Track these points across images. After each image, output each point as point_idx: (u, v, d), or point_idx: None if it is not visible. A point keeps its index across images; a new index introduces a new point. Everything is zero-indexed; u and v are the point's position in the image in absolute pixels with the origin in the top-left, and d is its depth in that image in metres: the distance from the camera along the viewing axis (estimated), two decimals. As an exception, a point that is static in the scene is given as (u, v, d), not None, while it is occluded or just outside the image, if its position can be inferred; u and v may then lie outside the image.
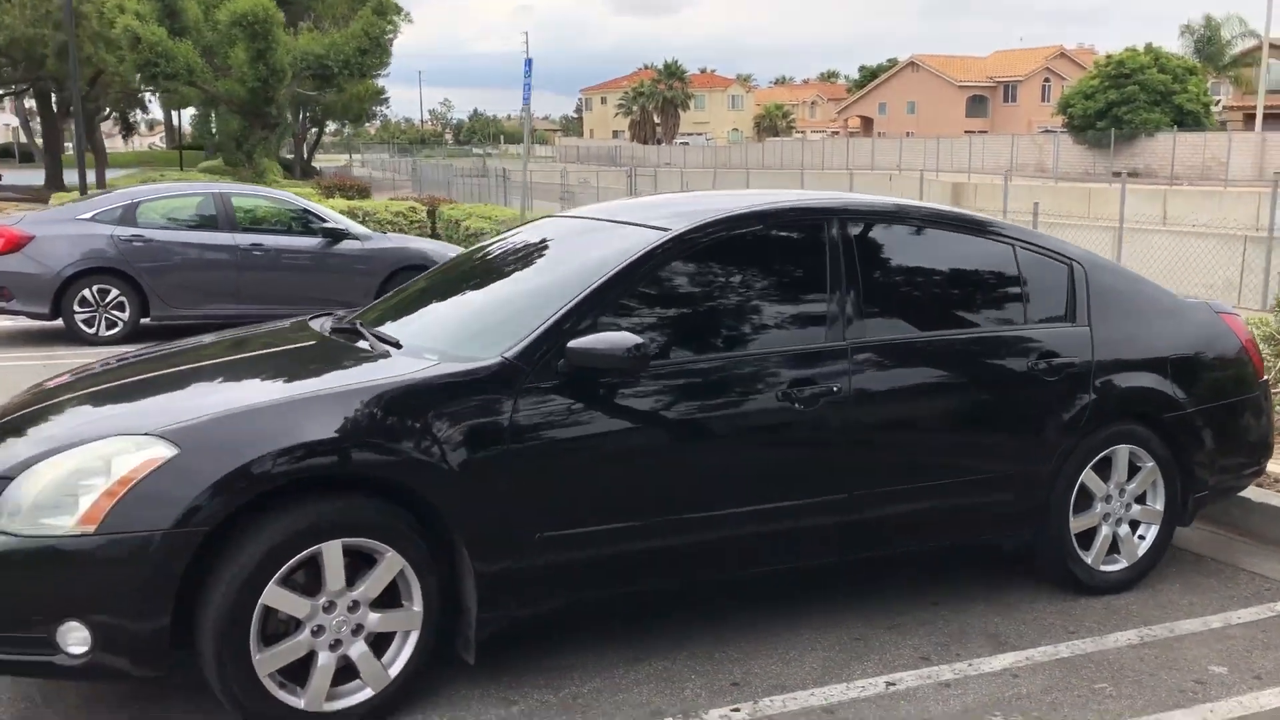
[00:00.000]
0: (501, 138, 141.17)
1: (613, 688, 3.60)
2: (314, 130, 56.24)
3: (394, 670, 3.32)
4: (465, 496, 3.29)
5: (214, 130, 35.34)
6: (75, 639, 3.01)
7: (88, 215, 10.51)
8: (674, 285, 3.75)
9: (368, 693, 3.29)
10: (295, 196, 12.17)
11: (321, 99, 32.37)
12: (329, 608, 3.21)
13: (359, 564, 3.25)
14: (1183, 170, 41.30)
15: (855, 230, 4.03)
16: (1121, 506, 4.43)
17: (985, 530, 4.17)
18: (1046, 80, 68.52)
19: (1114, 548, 4.44)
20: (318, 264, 11.00)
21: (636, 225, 3.98)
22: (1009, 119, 67.41)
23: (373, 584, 3.26)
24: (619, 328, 3.53)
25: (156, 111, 65.04)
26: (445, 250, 11.90)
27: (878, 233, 4.10)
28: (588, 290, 3.59)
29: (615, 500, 3.51)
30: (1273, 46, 50.34)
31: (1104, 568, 4.41)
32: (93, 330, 10.30)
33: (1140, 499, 4.48)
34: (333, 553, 3.18)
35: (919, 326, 4.05)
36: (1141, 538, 4.49)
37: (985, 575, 4.53)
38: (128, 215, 10.50)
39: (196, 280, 10.59)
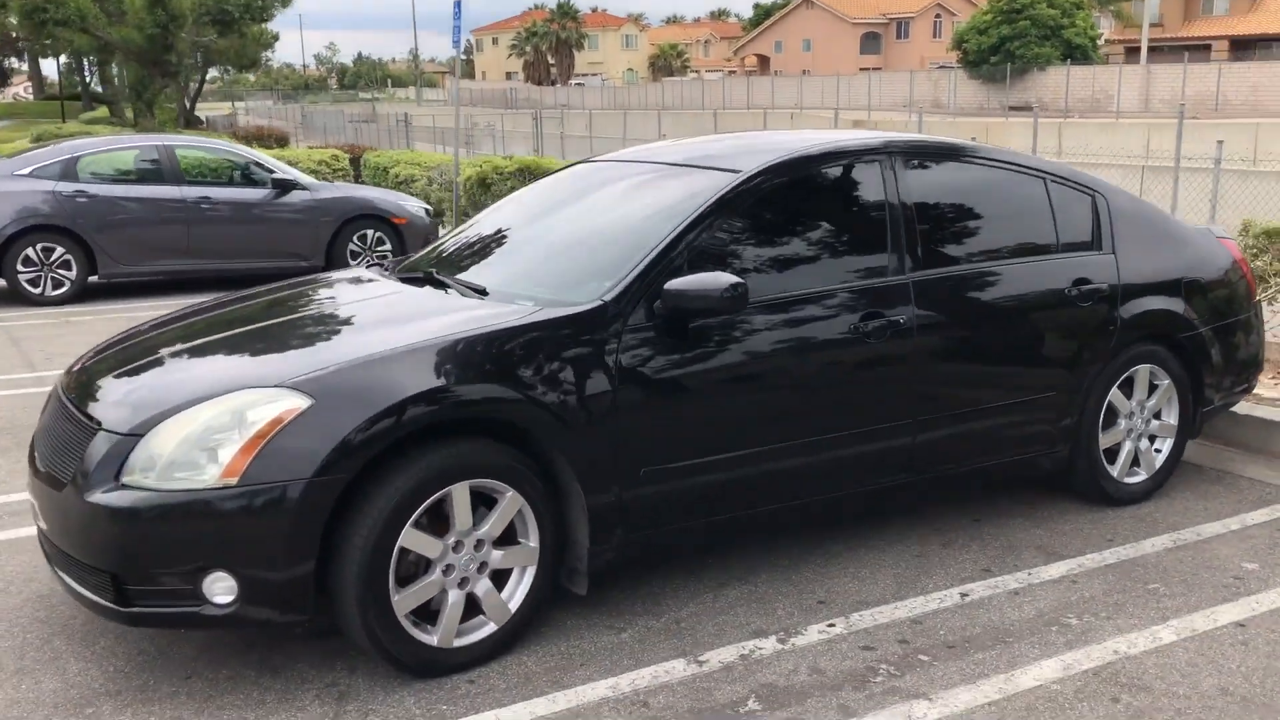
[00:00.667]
0: (389, 81, 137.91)
1: (709, 610, 3.77)
2: (195, 78, 54.33)
3: (513, 604, 3.44)
4: (577, 435, 3.41)
5: (102, 79, 33.82)
6: (221, 589, 3.07)
7: (25, 171, 10.12)
8: (748, 226, 3.87)
9: (491, 627, 3.40)
10: (241, 146, 11.89)
11: (214, 45, 31.33)
12: (457, 547, 3.31)
13: (479, 504, 3.35)
14: (1074, 103, 42.53)
15: (910, 167, 4.20)
16: (1142, 422, 4.74)
17: (1031, 449, 4.43)
18: (938, 16, 69.52)
19: (1135, 461, 4.75)
20: (268, 216, 10.81)
21: (704, 169, 4.08)
22: (902, 55, 68.32)
23: (496, 523, 3.36)
24: (706, 268, 3.65)
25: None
26: (390, 197, 11.78)
27: (930, 169, 4.28)
28: (674, 233, 3.69)
29: (710, 433, 3.66)
30: (1151, -20, 51.86)
31: (1128, 480, 4.72)
32: (38, 290, 10.01)
33: (1157, 415, 4.79)
34: (461, 494, 3.27)
35: (968, 259, 4.26)
36: (1158, 451, 4.82)
37: (1017, 493, 4.81)
38: (68, 170, 10.16)
39: (145, 236, 10.33)
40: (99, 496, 3.08)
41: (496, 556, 3.39)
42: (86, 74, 51.31)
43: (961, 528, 4.49)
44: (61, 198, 9.99)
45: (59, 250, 10.02)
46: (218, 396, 3.16)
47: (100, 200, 10.14)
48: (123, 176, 10.45)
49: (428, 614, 3.32)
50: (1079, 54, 46.18)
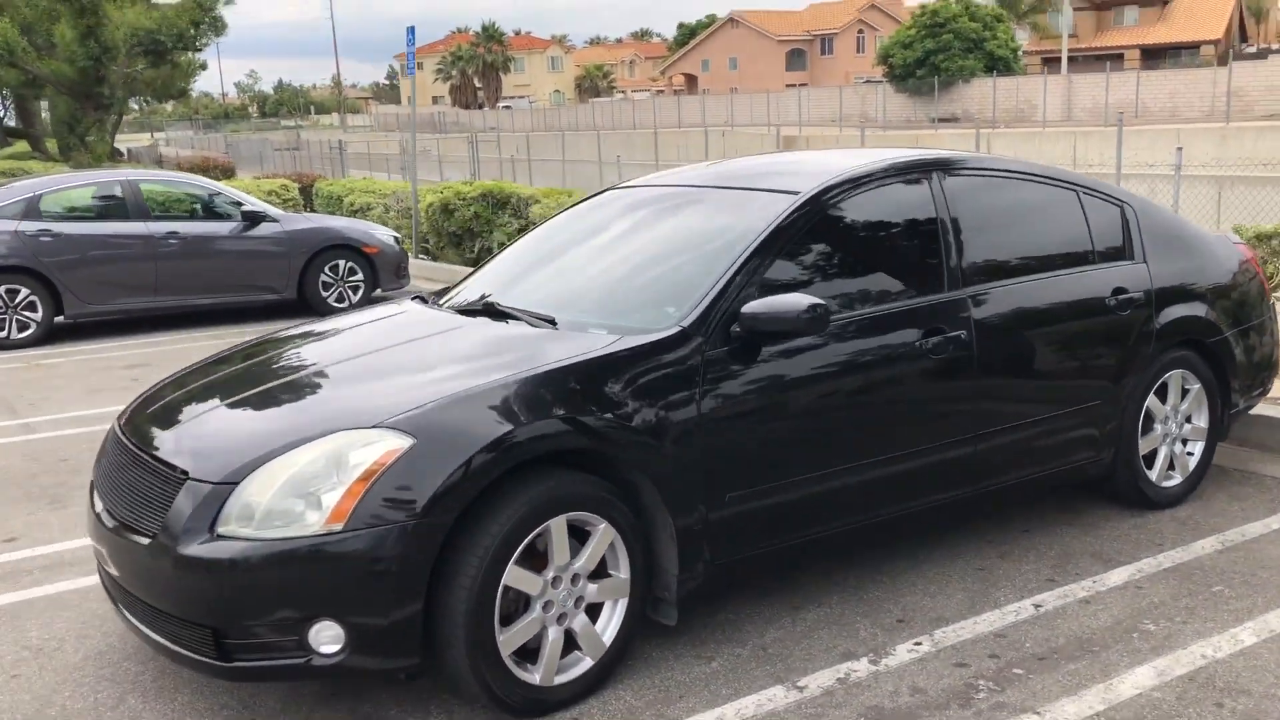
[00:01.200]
0: (312, 109, 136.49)
1: (792, 635, 3.76)
2: (129, 111, 53.17)
3: (607, 638, 3.39)
4: (667, 462, 3.38)
5: (20, 114, 32.92)
6: (328, 638, 2.98)
7: (-16, 211, 9.83)
8: (810, 246, 3.88)
9: (587, 663, 3.35)
10: (205, 180, 11.66)
11: (141, 75, 30.64)
12: (555, 582, 3.26)
13: (571, 538, 3.30)
14: (999, 114, 43.43)
15: (958, 183, 4.25)
16: (1175, 426, 4.84)
17: (1079, 457, 4.49)
18: (860, 32, 70.68)
19: (1170, 465, 4.84)
20: (238, 249, 10.62)
21: (756, 190, 4.09)
22: (827, 71, 69.30)
23: (591, 556, 3.32)
24: (774, 290, 3.65)
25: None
26: (360, 226, 11.64)
27: (972, 184, 4.33)
28: (744, 256, 3.69)
29: (789, 453, 3.66)
30: (1064, -8, 53.35)
31: (1165, 484, 4.81)
32: (3, 333, 9.71)
33: (1188, 419, 4.89)
34: (559, 528, 3.23)
35: (1015, 272, 4.31)
36: (1190, 454, 4.91)
37: (1058, 501, 4.87)
38: (31, 209, 9.89)
39: (112, 274, 10.09)
40: (195, 549, 2.98)
41: (591, 590, 3.35)
42: (1, 109, 49.98)
43: (1013, 539, 4.53)
44: (25, 237, 9.72)
45: (24, 291, 9.74)
46: (313, 440, 3.08)
47: (65, 239, 9.89)
48: (87, 213, 10.21)
49: (526, 652, 3.26)
50: (1001, 65, 47.20)
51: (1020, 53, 51.44)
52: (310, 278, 10.92)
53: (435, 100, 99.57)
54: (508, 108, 79.27)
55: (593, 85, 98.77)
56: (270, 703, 3.41)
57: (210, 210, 10.70)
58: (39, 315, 9.81)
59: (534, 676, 3.23)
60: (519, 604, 3.22)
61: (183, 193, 10.77)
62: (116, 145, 53.08)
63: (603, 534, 3.32)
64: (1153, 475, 4.76)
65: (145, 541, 3.11)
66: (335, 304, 11.04)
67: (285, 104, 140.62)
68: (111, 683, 3.58)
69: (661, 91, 79.73)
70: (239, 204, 10.78)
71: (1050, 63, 55.91)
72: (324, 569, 2.95)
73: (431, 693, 3.41)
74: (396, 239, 11.76)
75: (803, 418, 3.69)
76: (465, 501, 3.04)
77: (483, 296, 4.23)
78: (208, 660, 3.04)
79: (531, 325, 3.77)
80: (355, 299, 11.15)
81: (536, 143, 42.16)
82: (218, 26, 27.42)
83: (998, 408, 4.16)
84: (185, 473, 3.14)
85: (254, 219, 10.70)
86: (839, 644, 3.69)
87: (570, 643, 3.33)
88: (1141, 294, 4.61)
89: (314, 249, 10.92)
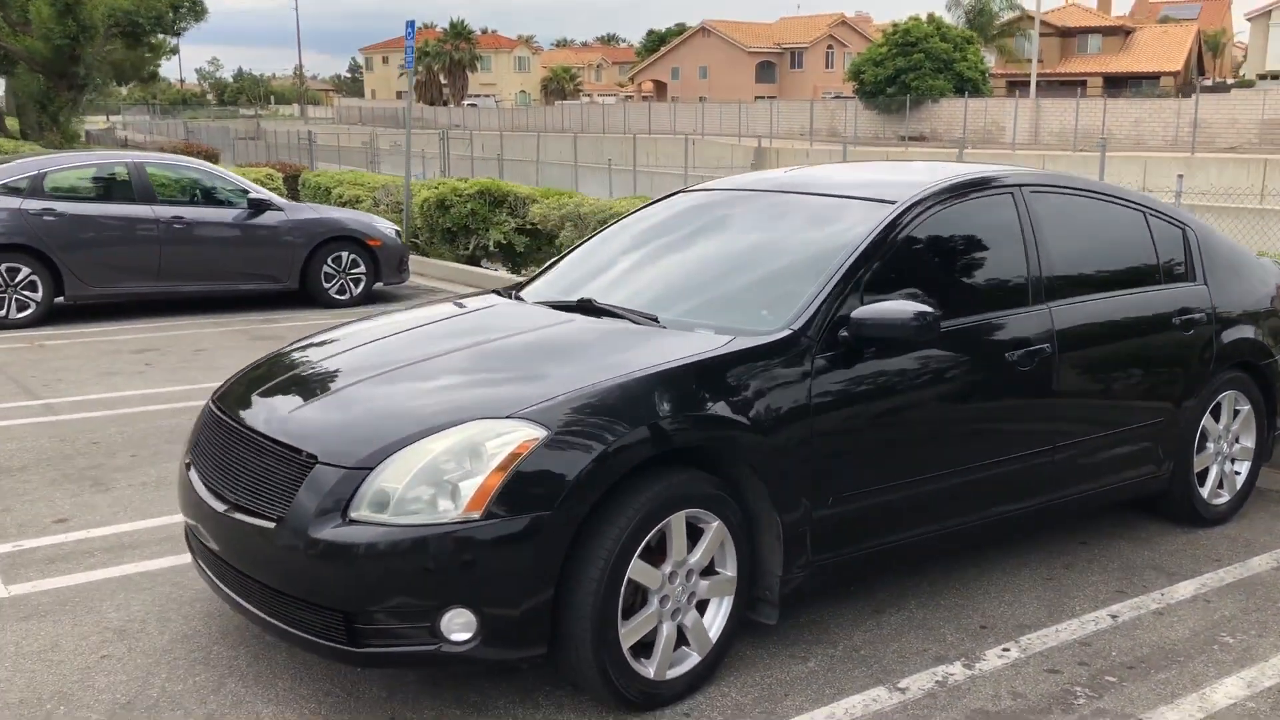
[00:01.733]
0: (272, 98, 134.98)
1: (879, 637, 3.80)
2: (108, 91, 52.25)
3: (713, 635, 3.42)
4: (778, 464, 3.41)
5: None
6: (459, 625, 2.98)
7: (-13, 188, 9.64)
8: (906, 256, 3.93)
9: (694, 659, 3.38)
10: (209, 164, 11.51)
11: (111, 56, 30.10)
12: (672, 578, 3.28)
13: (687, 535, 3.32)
14: (968, 134, 44.01)
15: (1040, 199, 4.33)
16: (1227, 446, 4.95)
17: (1142, 472, 4.58)
18: (830, 47, 71.29)
19: (1219, 484, 4.96)
20: (243, 237, 10.49)
21: (851, 199, 4.14)
22: (796, 85, 69.81)
23: (705, 553, 3.34)
24: (875, 297, 3.70)
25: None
26: (363, 218, 11.55)
27: (1055, 202, 4.42)
28: (848, 262, 3.74)
29: (889, 457, 3.71)
30: (1029, 18, 54.28)
31: (1215, 501, 4.93)
32: (2, 312, 9.51)
33: (1237, 439, 5.01)
34: (679, 524, 3.25)
35: (1091, 289, 4.40)
36: (1238, 474, 5.04)
37: (1107, 516, 4.97)
38: (35, 186, 9.70)
39: (116, 257, 9.92)
40: (329, 534, 2.97)
41: (703, 586, 3.38)
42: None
43: (1073, 550, 4.62)
44: (29, 215, 9.54)
45: (25, 270, 9.55)
46: (447, 427, 3.08)
47: (69, 219, 9.71)
48: (92, 194, 10.04)
49: (639, 646, 3.27)
50: (970, 87, 47.86)
51: (988, 75, 52.20)
52: (313, 268, 10.81)
53: (399, 95, 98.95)
54: (473, 106, 78.93)
55: (559, 88, 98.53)
56: (374, 690, 3.39)
57: (215, 196, 10.57)
58: (39, 295, 9.63)
59: (648, 670, 3.25)
60: (638, 598, 3.23)
61: (188, 177, 10.62)
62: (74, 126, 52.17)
63: (715, 532, 3.35)
64: (1204, 493, 4.87)
65: (269, 525, 3.09)
66: (337, 296, 10.95)
67: (245, 92, 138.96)
68: (206, 666, 3.54)
69: (630, 97, 79.88)
70: (245, 191, 10.66)
71: (1015, 86, 56.80)
72: (460, 557, 2.95)
73: (537, 684, 3.41)
74: (397, 232, 11.70)
75: (901, 423, 3.74)
76: (598, 494, 3.06)
77: (571, 293, 4.24)
78: (337, 645, 3.03)
79: (636, 323, 3.78)
80: (356, 292, 11.07)
81: (506, 142, 42.09)
82: (198, 11, 27.06)
83: (1074, 420, 4.24)
84: (313, 457, 3.12)
85: (259, 207, 10.58)
86: (928, 648, 3.74)
87: (680, 638, 3.35)
88: (1203, 315, 4.72)
89: (318, 239, 10.82)
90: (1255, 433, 5.05)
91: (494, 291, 4.61)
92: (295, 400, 3.45)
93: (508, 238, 13.49)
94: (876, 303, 3.61)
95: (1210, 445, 4.88)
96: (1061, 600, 4.14)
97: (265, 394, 3.60)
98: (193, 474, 3.58)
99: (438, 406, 3.22)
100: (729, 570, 3.43)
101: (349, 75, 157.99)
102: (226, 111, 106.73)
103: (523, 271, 13.44)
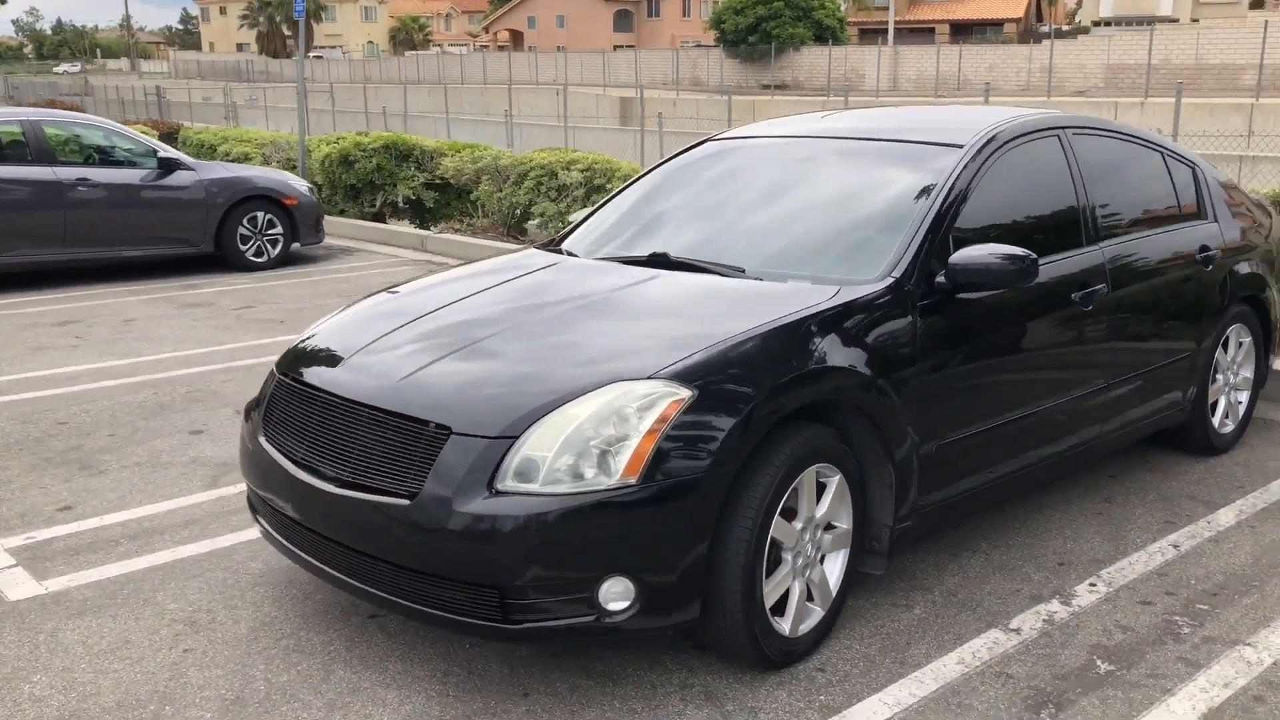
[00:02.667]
0: (98, 51, 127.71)
1: (969, 581, 3.84)
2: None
3: (834, 588, 3.39)
4: (892, 412, 3.39)
5: None
6: (617, 594, 2.87)
7: None
8: (977, 199, 3.92)
9: (819, 613, 3.34)
10: (114, 123, 10.77)
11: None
12: (803, 534, 3.23)
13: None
14: (829, 82, 44.66)
15: (1082, 142, 4.38)
16: (1233, 376, 5.15)
17: (1171, 404, 4.73)
18: (686, -6, 71.14)
19: (1225, 414, 5.16)
20: (153, 199, 9.89)
21: (915, 143, 4.10)
22: (654, 34, 69.60)
23: (831, 507, 3.30)
24: (959, 242, 3.69)
25: None
26: (276, 175, 11.02)
27: (1094, 145, 4.47)
28: (935, 208, 3.71)
29: (983, 400, 3.74)
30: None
31: (1223, 430, 5.13)
32: (-107, 286, 8.77)
33: (1240, 370, 5.22)
34: (810, 479, 3.20)
35: (1131, 229, 4.50)
36: (1240, 403, 5.25)
37: (1124, 449, 5.12)
38: (-78, 149, 8.93)
39: (15, 223, 9.24)
40: (476, 507, 2.81)
41: (826, 540, 3.34)
42: None
43: (1108, 484, 4.74)
44: (-82, 180, 8.78)
45: (-83, 240, 8.82)
46: (588, 392, 2.94)
47: (-38, 183, 8.98)
48: (-15, 156, 9.29)
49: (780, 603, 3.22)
50: (829, 35, 48.45)
51: (845, 23, 52.95)
52: (228, 230, 10.28)
53: (240, 48, 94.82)
54: (320, 58, 76.20)
55: (408, 38, 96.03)
56: (494, 667, 3.25)
57: (120, 156, 9.91)
58: (-65, 266, 8.91)
59: (784, 627, 3.20)
60: (774, 556, 3.17)
61: (91, 137, 9.93)
62: None
63: (837, 486, 3.31)
64: (1215, 422, 5.06)
65: (403, 503, 2.90)
66: (254, 259, 10.45)
67: (68, 45, 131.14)
68: (302, 654, 3.34)
69: (486, 47, 78.35)
70: (154, 151, 10.03)
71: (867, 34, 57.85)
72: (618, 524, 2.83)
73: (661, 650, 3.32)
74: (311, 189, 11.21)
75: (993, 365, 3.77)
76: (746, 452, 2.98)
77: (631, 248, 4.11)
78: (490, 624, 2.88)
79: (724, 276, 3.69)
80: (274, 253, 10.58)
81: (362, 95, 40.77)
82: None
83: (1122, 357, 4.34)
84: (444, 428, 2.94)
85: (169, 166, 9.97)
86: (1019, 587, 3.79)
87: (806, 594, 3.31)
88: (1218, 251, 4.87)
89: (232, 200, 10.28)
90: (1255, 363, 5.27)
91: (537, 248, 4.44)
92: (399, 369, 3.23)
93: (416, 193, 13.11)
94: (966, 248, 3.59)
95: (1219, 377, 5.07)
96: (1119, 533, 4.24)
97: (356, 363, 3.37)
98: (270, 448, 3.35)
99: (568, 370, 3.07)
100: (844, 523, 3.39)
101: (181, 27, 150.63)
102: (46, 66, 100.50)
103: (431, 228, 13.08)
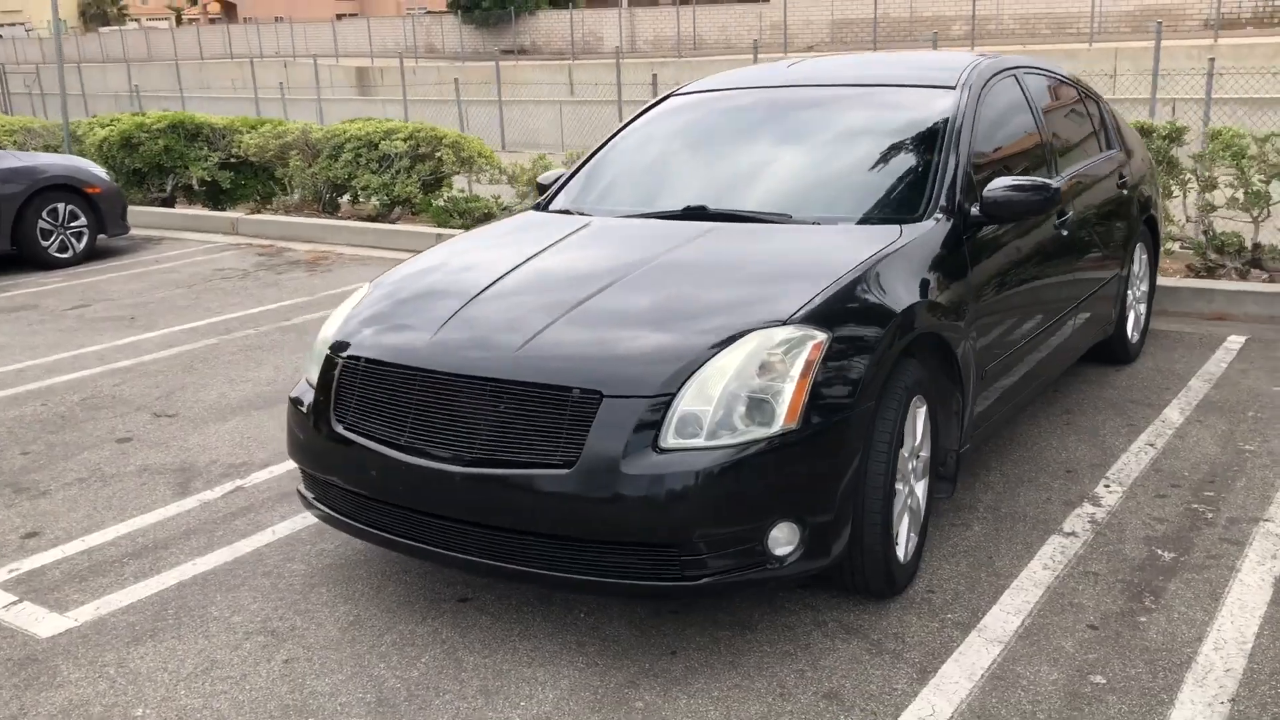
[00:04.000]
0: None
1: (1000, 496, 4.08)
2: None
3: (922, 514, 3.53)
4: (962, 340, 3.55)
5: None
6: (784, 539, 2.90)
7: None
8: (979, 135, 4.11)
9: (914, 539, 3.47)
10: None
11: None
12: (908, 462, 3.34)
13: (902, 419, 3.40)
14: (565, 45, 44.81)
15: (1031, 81, 4.70)
16: (1138, 290, 5.66)
17: (1107, 321, 5.15)
18: (408, -39, 69.20)
19: (1134, 324, 5.67)
20: (-57, 192, 8.83)
21: (906, 86, 4.26)
22: (377, 3, 67.50)
23: (923, 438, 3.43)
24: (989, 178, 3.90)
25: None
26: (75, 163, 10.04)
27: (1039, 84, 4.80)
28: (953, 144, 3.89)
29: (1013, 324, 3.97)
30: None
31: (1134, 339, 5.63)
32: None
33: (1140, 283, 5.74)
34: (914, 411, 3.31)
35: (1074, 160, 4.84)
36: (1141, 314, 5.78)
37: (1056, 364, 5.53)
38: None
39: None
40: (645, 467, 2.77)
41: (918, 469, 3.47)
42: None
43: (1056, 400, 5.11)
44: None
45: None
46: (730, 343, 2.93)
47: None
48: None
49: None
50: (561, -1, 48.54)
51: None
52: (27, 224, 9.33)
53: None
54: (1, 37, 69.48)
55: (101, 13, 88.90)
56: (622, 629, 3.20)
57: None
58: None
59: (901, 554, 3.32)
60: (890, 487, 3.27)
61: None
62: None
63: (925, 415, 3.44)
64: (1128, 333, 5.55)
65: (561, 473, 2.81)
66: (58, 254, 9.55)
67: None
68: (416, 647, 3.17)
69: (196, 20, 73.65)
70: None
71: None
72: (783, 469, 2.86)
73: (776, 597, 3.36)
74: (112, 176, 10.32)
75: (1020, 290, 4.01)
76: (879, 387, 3.06)
77: (646, 204, 4.09)
78: (671, 583, 2.84)
79: (774, 223, 3.73)
80: (80, 247, 9.70)
81: (66, 75, 37.58)
82: None
83: (1086, 275, 4.70)
84: (593, 392, 2.85)
85: (-48, 157, 8.95)
86: (1048, 495, 4.06)
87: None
88: (1130, 176, 5.33)
89: (29, 191, 9.33)
90: (1148, 277, 5.80)
91: (533, 209, 4.33)
92: (508, 340, 3.09)
93: (212, 174, 12.28)
94: (996, 180, 3.79)
95: (1130, 292, 5.56)
96: (1097, 439, 4.60)
97: (447, 339, 3.18)
98: (355, 436, 3.15)
99: (696, 324, 3.04)
100: (927, 451, 3.53)
101: None
102: None
103: (227, 209, 12.30)
